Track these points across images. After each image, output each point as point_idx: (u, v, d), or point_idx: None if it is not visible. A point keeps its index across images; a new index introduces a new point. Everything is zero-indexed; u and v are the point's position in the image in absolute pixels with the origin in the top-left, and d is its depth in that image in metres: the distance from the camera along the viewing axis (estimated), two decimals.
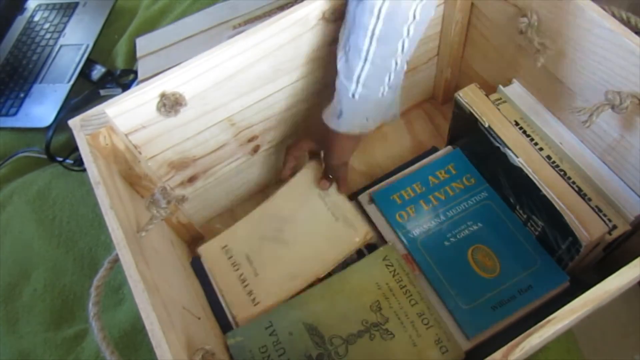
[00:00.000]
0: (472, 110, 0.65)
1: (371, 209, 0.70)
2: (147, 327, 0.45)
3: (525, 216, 0.65)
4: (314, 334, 0.63)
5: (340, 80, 0.59)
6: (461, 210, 0.68)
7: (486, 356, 0.43)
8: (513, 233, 0.65)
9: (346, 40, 0.57)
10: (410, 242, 0.66)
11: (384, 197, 0.70)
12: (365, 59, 0.56)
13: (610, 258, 0.62)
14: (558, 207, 0.57)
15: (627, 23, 0.54)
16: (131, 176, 0.62)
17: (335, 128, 0.63)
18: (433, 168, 0.71)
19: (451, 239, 0.66)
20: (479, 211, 0.67)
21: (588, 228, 0.55)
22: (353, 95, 0.59)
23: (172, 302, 0.53)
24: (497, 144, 0.63)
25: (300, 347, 0.62)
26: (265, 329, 0.64)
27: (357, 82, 0.58)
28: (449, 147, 0.74)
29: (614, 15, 0.53)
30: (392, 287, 0.65)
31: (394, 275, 0.65)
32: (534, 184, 0.59)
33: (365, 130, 0.63)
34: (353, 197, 0.73)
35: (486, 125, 0.64)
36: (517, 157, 0.61)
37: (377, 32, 0.54)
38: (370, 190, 0.72)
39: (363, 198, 0.71)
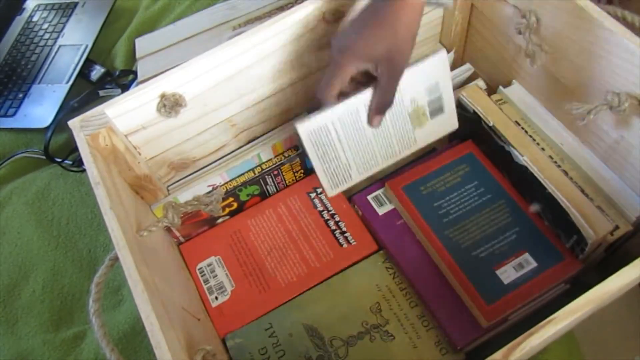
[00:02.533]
0: (476, 110, 0.65)
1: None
2: (147, 327, 0.45)
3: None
4: (314, 336, 0.63)
5: None
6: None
7: (487, 357, 0.43)
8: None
9: None
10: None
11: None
12: None
13: (611, 259, 0.62)
14: (564, 205, 0.57)
15: (622, 20, 0.54)
16: (131, 177, 0.62)
17: None
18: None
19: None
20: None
21: (593, 226, 0.56)
22: None
23: (172, 302, 0.53)
24: (502, 143, 0.63)
25: (300, 348, 0.62)
26: (264, 331, 0.63)
27: None
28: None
29: (609, 14, 0.53)
30: (392, 289, 0.65)
31: (394, 278, 0.65)
32: (539, 182, 0.59)
33: None
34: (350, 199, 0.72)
35: (490, 124, 0.64)
36: (522, 155, 0.61)
37: None
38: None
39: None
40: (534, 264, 0.60)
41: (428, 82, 0.61)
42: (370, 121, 0.59)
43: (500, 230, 0.63)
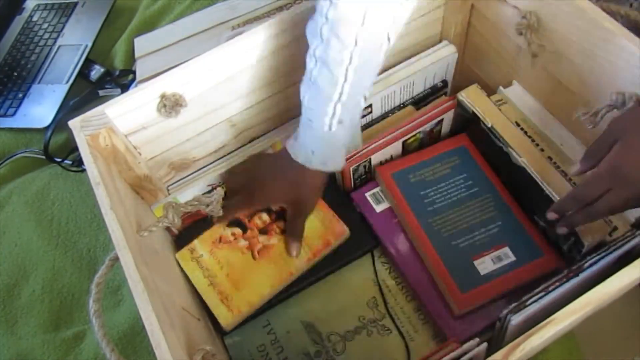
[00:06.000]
0: (475, 111, 0.66)
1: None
2: (147, 327, 0.45)
3: (527, 215, 0.65)
4: (312, 332, 0.63)
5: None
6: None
7: (487, 357, 0.43)
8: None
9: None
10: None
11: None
12: (309, 82, 0.54)
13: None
14: None
15: (627, 18, 0.54)
16: (131, 177, 0.62)
17: (288, 148, 0.60)
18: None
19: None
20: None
21: (591, 227, 0.55)
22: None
23: (172, 302, 0.53)
24: (500, 144, 0.63)
25: (299, 344, 0.62)
26: (262, 328, 0.64)
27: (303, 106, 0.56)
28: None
29: (612, 12, 0.53)
30: (389, 283, 0.65)
31: (390, 272, 0.66)
32: (537, 183, 0.59)
33: (309, 164, 0.59)
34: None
35: (489, 125, 0.64)
36: (520, 156, 0.61)
37: (317, 53, 0.52)
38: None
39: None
40: (512, 258, 0.61)
41: None
42: (288, 250, 0.65)
43: (483, 223, 0.64)
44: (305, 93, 0.55)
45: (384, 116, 0.73)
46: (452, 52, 0.71)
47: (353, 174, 0.70)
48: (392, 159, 0.72)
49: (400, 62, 0.71)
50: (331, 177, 0.72)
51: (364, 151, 0.68)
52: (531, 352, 0.44)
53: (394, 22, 0.50)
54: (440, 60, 0.70)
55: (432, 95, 0.74)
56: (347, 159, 0.68)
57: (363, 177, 0.72)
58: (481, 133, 0.66)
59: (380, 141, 0.69)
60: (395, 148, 0.71)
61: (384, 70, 0.71)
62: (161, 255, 0.61)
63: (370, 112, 0.70)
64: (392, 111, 0.73)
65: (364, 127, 0.72)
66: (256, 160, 0.67)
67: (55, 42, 1.09)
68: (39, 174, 0.92)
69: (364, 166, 0.70)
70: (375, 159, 0.70)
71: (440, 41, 0.73)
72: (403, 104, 0.73)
